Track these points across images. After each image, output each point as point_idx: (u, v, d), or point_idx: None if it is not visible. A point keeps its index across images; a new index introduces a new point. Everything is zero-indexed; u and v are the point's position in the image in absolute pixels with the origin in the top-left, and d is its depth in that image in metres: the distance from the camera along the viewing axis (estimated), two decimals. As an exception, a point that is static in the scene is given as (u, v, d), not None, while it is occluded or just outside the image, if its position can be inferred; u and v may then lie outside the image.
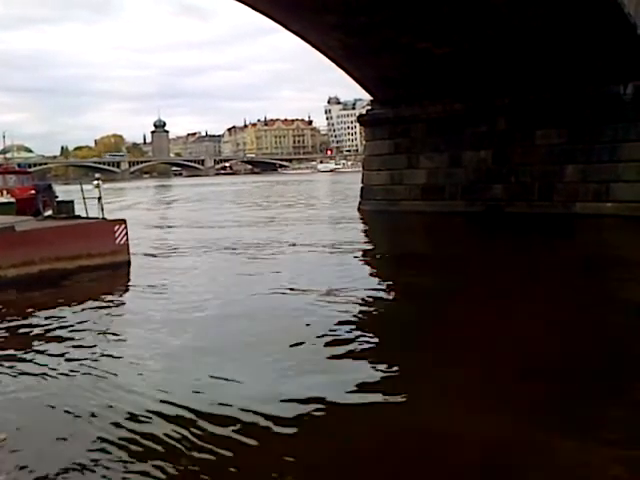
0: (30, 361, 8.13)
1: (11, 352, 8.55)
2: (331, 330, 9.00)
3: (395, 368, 7.39)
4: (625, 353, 7.83)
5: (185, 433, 5.76)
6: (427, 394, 6.58)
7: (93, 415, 6.28)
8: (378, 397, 6.50)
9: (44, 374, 7.58)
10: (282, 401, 6.40)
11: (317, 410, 6.23)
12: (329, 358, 7.82)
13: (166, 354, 8.21)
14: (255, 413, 6.12)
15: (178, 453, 5.44)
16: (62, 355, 8.33)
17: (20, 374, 7.66)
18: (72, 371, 7.66)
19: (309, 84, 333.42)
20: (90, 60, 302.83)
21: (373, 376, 7.18)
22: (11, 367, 7.89)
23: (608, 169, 21.72)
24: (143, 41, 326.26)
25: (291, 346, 8.28)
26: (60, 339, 9.11)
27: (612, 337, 8.56)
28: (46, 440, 5.84)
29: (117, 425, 6.01)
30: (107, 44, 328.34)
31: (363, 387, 6.74)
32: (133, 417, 6.17)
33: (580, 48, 20.64)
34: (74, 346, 8.71)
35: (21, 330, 9.77)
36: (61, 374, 7.61)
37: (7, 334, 9.58)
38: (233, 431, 5.80)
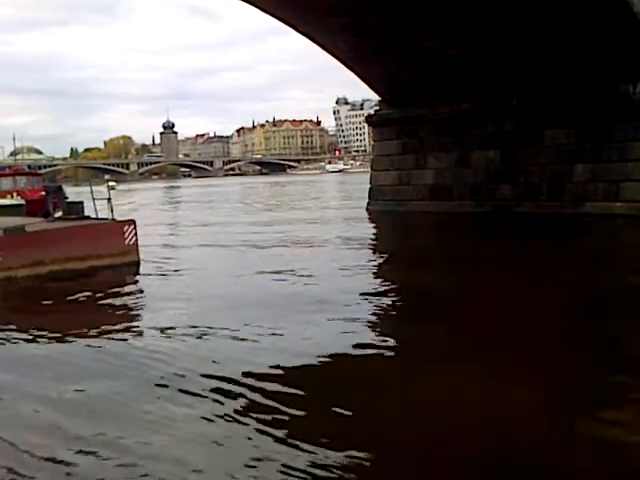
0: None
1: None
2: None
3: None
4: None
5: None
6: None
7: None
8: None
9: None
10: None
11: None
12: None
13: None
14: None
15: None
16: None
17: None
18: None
19: (318, 85, 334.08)
20: (100, 62, 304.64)
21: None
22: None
23: (618, 169, 21.63)
24: (153, 43, 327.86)
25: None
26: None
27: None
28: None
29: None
30: (117, 46, 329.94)
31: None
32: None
33: (588, 48, 20.57)
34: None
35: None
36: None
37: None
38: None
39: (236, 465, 5.09)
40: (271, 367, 7.29)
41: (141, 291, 12.77)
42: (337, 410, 5.95)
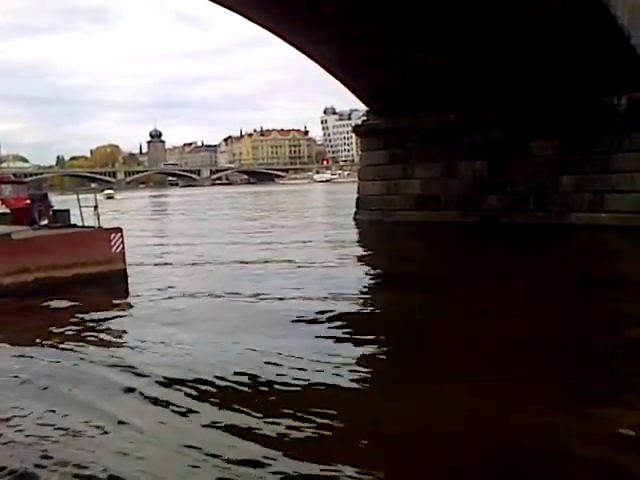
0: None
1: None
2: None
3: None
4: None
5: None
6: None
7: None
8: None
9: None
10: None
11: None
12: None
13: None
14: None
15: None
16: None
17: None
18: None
19: (306, 94, 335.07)
20: (89, 70, 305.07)
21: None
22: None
23: (603, 179, 21.79)
24: (142, 51, 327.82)
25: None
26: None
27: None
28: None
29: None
30: (106, 54, 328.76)
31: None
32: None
33: (574, 60, 20.77)
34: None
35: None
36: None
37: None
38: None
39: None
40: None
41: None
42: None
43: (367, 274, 15.68)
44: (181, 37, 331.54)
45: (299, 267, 16.01)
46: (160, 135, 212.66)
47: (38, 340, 9.67)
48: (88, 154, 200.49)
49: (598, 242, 19.66)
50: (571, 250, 18.73)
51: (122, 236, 15.14)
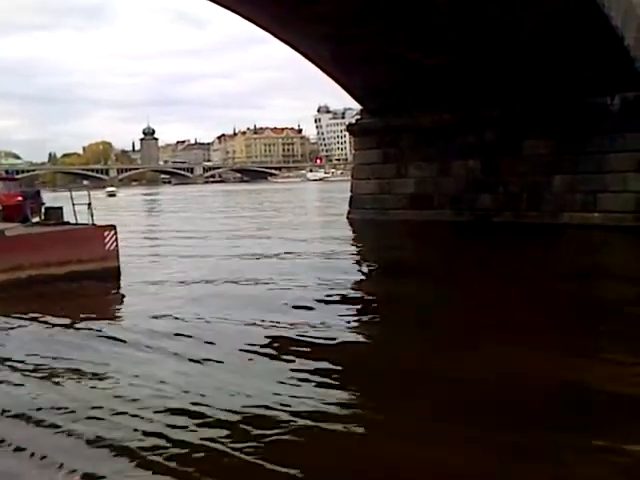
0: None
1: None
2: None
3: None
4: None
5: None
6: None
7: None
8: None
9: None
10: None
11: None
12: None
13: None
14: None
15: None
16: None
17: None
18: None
19: (300, 93, 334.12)
20: (83, 67, 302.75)
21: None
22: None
23: (595, 179, 21.90)
24: (137, 48, 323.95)
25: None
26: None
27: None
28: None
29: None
30: (100, 51, 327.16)
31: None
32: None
33: (568, 60, 20.84)
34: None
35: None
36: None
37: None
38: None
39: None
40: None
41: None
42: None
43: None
44: (176, 35, 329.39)
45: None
46: (153, 133, 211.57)
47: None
48: (81, 151, 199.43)
49: (590, 241, 19.75)
50: (563, 249, 18.80)
51: (116, 233, 15.10)
